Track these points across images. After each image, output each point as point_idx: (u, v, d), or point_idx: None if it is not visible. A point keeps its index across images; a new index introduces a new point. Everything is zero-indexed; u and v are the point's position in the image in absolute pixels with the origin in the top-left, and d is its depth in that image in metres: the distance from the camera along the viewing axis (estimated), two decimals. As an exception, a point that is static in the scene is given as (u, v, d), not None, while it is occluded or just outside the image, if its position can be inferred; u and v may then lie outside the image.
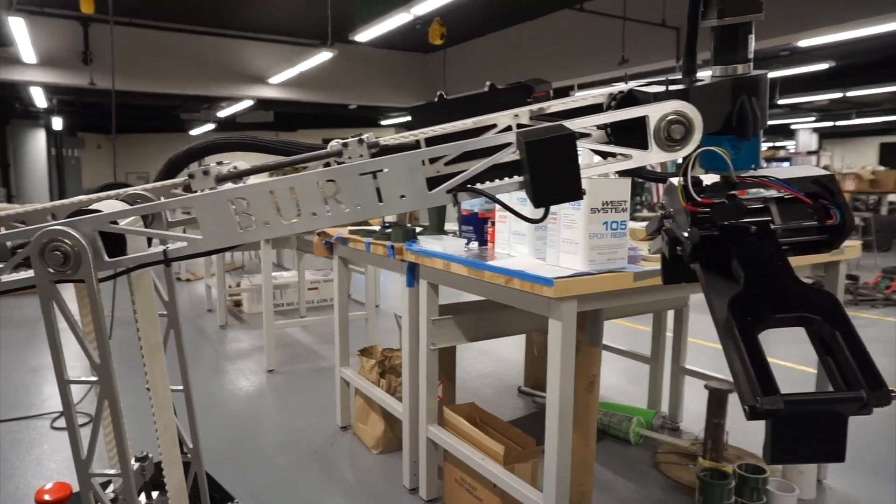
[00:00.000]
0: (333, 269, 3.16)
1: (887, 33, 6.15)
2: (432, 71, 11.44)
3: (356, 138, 0.72)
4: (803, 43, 6.84)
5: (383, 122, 16.24)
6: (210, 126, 16.78)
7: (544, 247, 2.09)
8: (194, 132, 18.47)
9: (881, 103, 13.82)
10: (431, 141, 0.74)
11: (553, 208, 1.93)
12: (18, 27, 6.87)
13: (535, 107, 0.74)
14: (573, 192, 0.66)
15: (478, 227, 2.41)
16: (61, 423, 3.33)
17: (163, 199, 0.73)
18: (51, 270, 0.68)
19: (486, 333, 2.55)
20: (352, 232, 2.93)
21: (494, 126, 0.73)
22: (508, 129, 0.74)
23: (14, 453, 2.97)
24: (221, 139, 0.77)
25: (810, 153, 15.56)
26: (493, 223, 2.32)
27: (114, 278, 0.74)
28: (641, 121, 0.67)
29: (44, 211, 0.78)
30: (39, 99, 11.25)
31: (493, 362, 4.43)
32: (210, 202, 0.69)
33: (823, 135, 18.56)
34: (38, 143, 15.56)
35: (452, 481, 2.45)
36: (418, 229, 2.67)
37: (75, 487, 1.35)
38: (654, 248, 0.92)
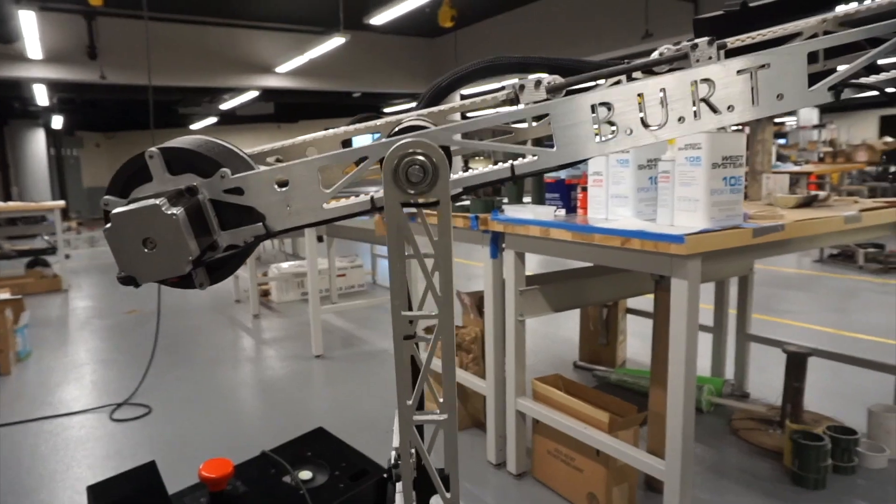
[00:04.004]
0: (396, 247, 3.10)
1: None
2: (441, 55, 11.33)
3: (705, 39, 0.66)
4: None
5: (386, 110, 16.14)
6: (212, 119, 16.60)
7: (647, 209, 2.04)
8: (195, 126, 18.29)
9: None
10: (729, 53, 0.69)
11: (665, 167, 1.88)
12: (28, 21, 6.73)
13: (841, 11, 0.69)
14: None
15: (564, 193, 2.35)
16: (118, 414, 3.27)
17: (521, 106, 0.66)
18: (410, 192, 0.61)
19: (570, 303, 2.50)
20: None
21: (799, 35, 0.68)
22: (814, 36, 0.69)
23: (79, 447, 2.92)
24: (498, 59, 0.70)
25: (815, 127, 15.51)
26: (583, 189, 2.27)
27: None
28: None
29: (303, 145, 0.72)
30: (41, 97, 11.08)
31: (540, 339, 4.39)
32: (569, 107, 0.63)
33: (823, 109, 18.55)
34: (37, 143, 15.36)
35: (544, 453, 2.41)
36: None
37: (235, 462, 1.30)
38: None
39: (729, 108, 0.64)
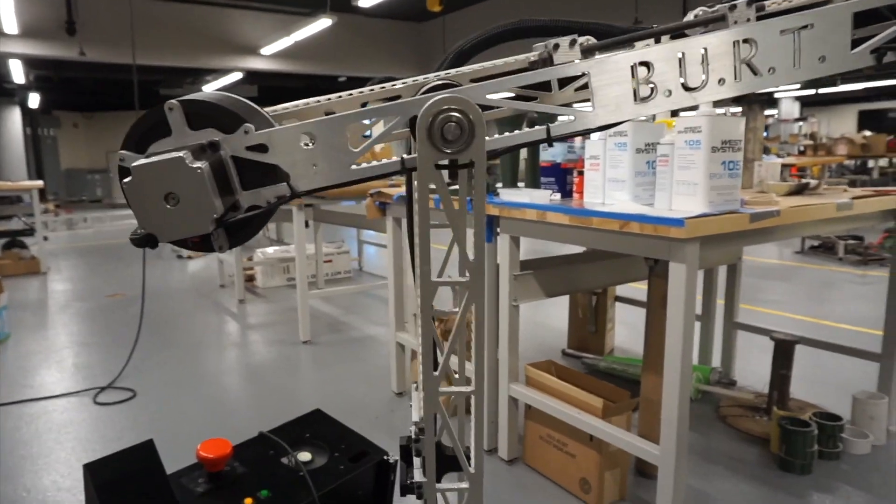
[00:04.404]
0: (388, 231, 3.07)
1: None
2: (428, 40, 11.23)
3: (743, 0, 0.64)
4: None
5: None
6: (193, 102, 16.31)
7: (644, 193, 2.04)
8: (175, 109, 17.95)
9: (862, 69, 13.97)
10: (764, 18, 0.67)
11: (664, 150, 1.87)
12: (4, -6, 6.53)
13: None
14: None
15: (560, 178, 2.34)
16: (102, 398, 3.22)
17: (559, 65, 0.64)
18: (446, 150, 0.59)
19: (564, 289, 2.50)
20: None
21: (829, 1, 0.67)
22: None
23: (62, 431, 2.86)
24: (523, 22, 0.68)
25: (796, 120, 15.71)
26: (579, 173, 2.26)
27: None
28: None
29: (318, 107, 0.69)
30: (17, 73, 10.77)
31: (529, 326, 4.40)
32: (608, 67, 0.60)
33: (804, 103, 18.74)
34: (12, 121, 14.99)
35: (536, 439, 2.41)
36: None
37: (234, 442, 1.27)
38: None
39: (770, 70, 0.62)
